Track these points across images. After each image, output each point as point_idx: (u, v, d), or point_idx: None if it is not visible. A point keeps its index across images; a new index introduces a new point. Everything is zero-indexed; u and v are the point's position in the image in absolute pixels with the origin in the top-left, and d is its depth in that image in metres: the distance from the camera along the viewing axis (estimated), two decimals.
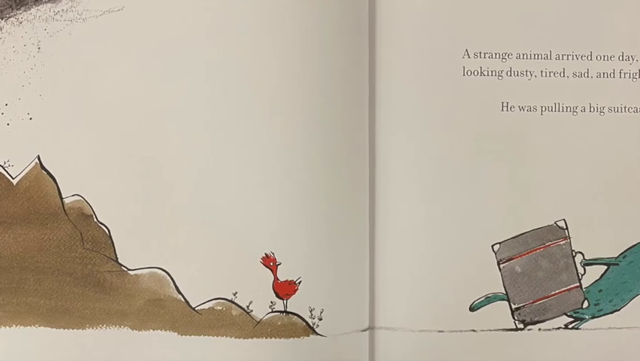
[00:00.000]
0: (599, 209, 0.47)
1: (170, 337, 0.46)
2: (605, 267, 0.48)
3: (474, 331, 0.47)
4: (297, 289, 0.46)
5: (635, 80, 0.48)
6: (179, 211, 0.46)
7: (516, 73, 0.47)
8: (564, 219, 0.48)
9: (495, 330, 0.47)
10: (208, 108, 0.46)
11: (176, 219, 0.46)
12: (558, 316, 0.48)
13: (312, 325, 0.46)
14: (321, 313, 0.46)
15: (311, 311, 0.46)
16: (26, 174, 0.46)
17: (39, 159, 0.46)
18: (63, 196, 0.46)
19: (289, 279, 0.46)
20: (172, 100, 0.46)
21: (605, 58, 0.47)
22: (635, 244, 0.48)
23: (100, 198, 0.46)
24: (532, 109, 0.47)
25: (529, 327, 0.48)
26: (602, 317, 0.48)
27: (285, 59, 0.46)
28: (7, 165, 0.46)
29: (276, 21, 0.46)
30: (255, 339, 0.46)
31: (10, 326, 0.45)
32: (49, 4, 0.46)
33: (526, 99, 0.47)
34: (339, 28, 0.46)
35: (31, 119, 0.46)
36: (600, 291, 0.48)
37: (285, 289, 0.46)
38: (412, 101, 0.47)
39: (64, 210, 0.46)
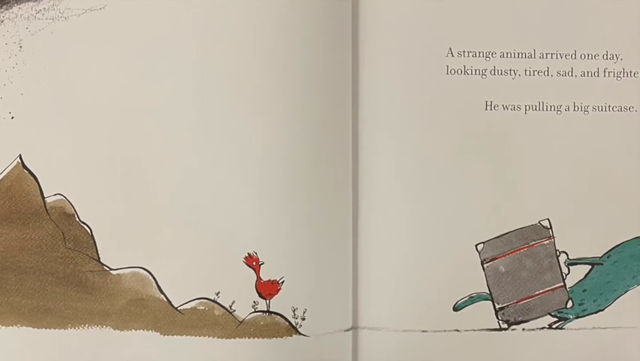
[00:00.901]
0: (583, 208, 0.47)
1: (152, 337, 0.46)
2: (590, 267, 0.48)
3: (458, 331, 0.47)
4: (279, 289, 0.46)
5: (619, 78, 0.47)
6: (162, 211, 0.46)
7: (500, 72, 0.47)
8: (548, 219, 0.47)
9: (479, 330, 0.47)
10: (190, 108, 0.46)
11: (159, 219, 0.46)
12: (542, 316, 0.48)
13: (295, 325, 0.46)
14: (304, 313, 0.46)
15: (294, 311, 0.46)
16: (8, 173, 0.46)
17: (21, 158, 0.46)
18: (45, 196, 0.46)
19: (272, 279, 0.46)
20: (154, 99, 0.46)
21: (590, 57, 0.47)
22: (620, 244, 0.47)
23: (82, 198, 0.46)
24: (516, 108, 0.47)
25: (513, 327, 0.47)
26: (586, 317, 0.48)
27: (267, 58, 0.45)
28: None
29: (258, 20, 0.45)
30: (237, 339, 0.46)
31: None
32: (30, 3, 0.46)
33: (510, 98, 0.47)
34: (322, 27, 0.46)
35: (12, 118, 0.46)
36: (584, 291, 0.48)
37: (267, 289, 0.46)
38: (395, 100, 0.47)
39: (46, 210, 0.46)
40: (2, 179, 0.46)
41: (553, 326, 0.48)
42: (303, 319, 0.46)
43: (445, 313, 0.47)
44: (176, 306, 0.46)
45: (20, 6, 0.46)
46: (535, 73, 0.47)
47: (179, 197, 0.46)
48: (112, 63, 0.46)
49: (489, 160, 0.47)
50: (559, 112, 0.47)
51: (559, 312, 0.48)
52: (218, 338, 0.46)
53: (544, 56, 0.47)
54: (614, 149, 0.47)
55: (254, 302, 0.46)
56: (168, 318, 0.46)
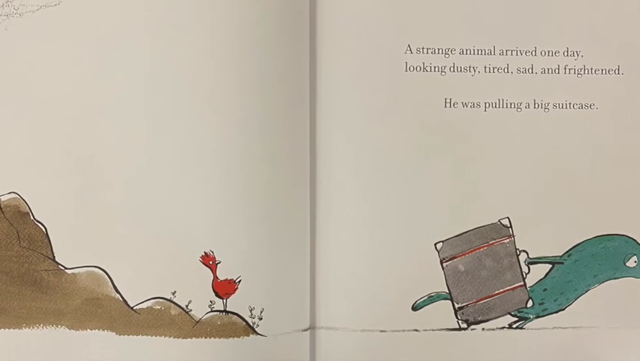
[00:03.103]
0: (544, 207, 0.47)
1: (108, 337, 0.45)
2: (550, 266, 0.47)
3: (416, 331, 0.46)
4: (236, 288, 0.45)
5: (580, 76, 0.47)
6: (117, 209, 0.45)
7: (459, 69, 0.47)
8: (508, 218, 0.47)
9: (438, 330, 0.47)
10: (146, 105, 0.45)
11: (114, 218, 0.45)
12: (502, 315, 0.47)
13: (252, 324, 0.45)
14: (262, 312, 0.45)
15: (251, 311, 0.45)
16: None
17: None
18: None
19: (229, 278, 0.45)
20: (109, 97, 0.45)
21: (550, 53, 0.47)
22: (580, 243, 0.47)
23: (36, 196, 0.45)
24: (475, 105, 0.47)
25: (472, 327, 0.47)
26: (547, 317, 0.47)
27: (223, 56, 0.45)
28: None
29: (214, 17, 0.45)
30: (194, 339, 0.45)
31: None
32: None
33: (469, 95, 0.47)
34: (280, 24, 0.45)
35: None
36: (545, 290, 0.47)
37: (224, 288, 0.45)
38: (353, 98, 0.46)
39: (0, 208, 0.45)
40: None
41: (514, 326, 0.47)
42: (261, 318, 0.45)
43: (403, 312, 0.46)
44: (131, 306, 0.45)
45: None
46: (495, 70, 0.47)
47: (135, 196, 0.45)
48: (67, 60, 0.45)
49: (448, 158, 0.47)
50: (519, 109, 0.47)
51: (519, 312, 0.47)
52: (175, 337, 0.45)
53: (504, 53, 0.47)
54: (574, 147, 0.47)
55: (210, 302, 0.45)
56: (124, 318, 0.45)
